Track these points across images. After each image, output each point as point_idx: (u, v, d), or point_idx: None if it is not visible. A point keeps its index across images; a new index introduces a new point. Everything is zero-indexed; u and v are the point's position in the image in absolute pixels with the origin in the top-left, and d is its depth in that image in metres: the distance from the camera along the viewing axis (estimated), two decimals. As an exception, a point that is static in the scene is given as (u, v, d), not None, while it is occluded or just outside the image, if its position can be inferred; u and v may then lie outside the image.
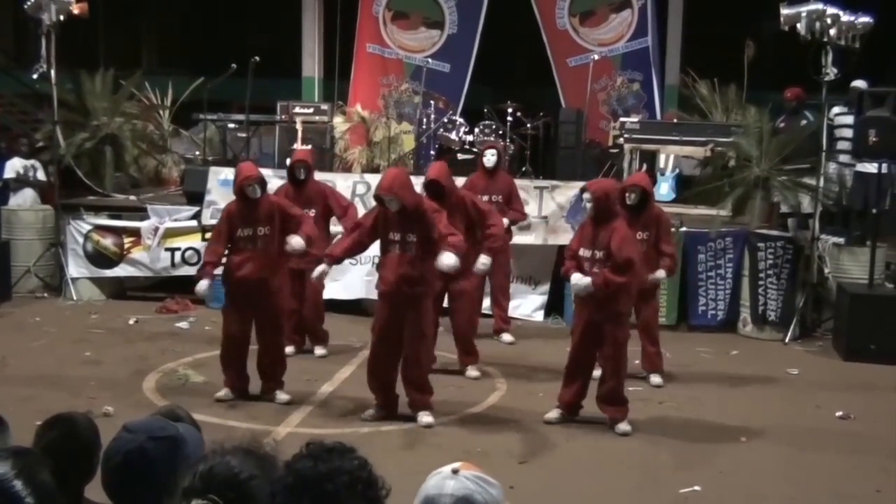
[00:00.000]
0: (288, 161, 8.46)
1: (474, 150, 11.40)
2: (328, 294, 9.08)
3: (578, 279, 6.14)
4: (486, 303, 8.90)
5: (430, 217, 6.13)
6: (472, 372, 7.59)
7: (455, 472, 2.05)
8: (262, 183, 6.69)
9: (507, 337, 8.76)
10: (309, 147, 10.78)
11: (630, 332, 6.46)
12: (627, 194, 7.05)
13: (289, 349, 7.78)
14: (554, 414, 6.47)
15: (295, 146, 11.63)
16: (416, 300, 6.25)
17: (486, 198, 8.46)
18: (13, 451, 1.98)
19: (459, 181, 8.93)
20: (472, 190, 8.46)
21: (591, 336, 6.30)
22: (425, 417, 6.37)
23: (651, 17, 13.33)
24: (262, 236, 6.62)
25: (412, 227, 6.16)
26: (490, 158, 8.63)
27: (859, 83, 9.71)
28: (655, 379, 7.44)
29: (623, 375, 6.37)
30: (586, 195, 6.22)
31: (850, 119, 9.76)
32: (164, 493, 2.29)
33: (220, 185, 9.87)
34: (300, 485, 1.88)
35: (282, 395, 6.81)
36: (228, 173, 9.60)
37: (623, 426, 6.30)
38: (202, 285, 6.68)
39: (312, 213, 7.71)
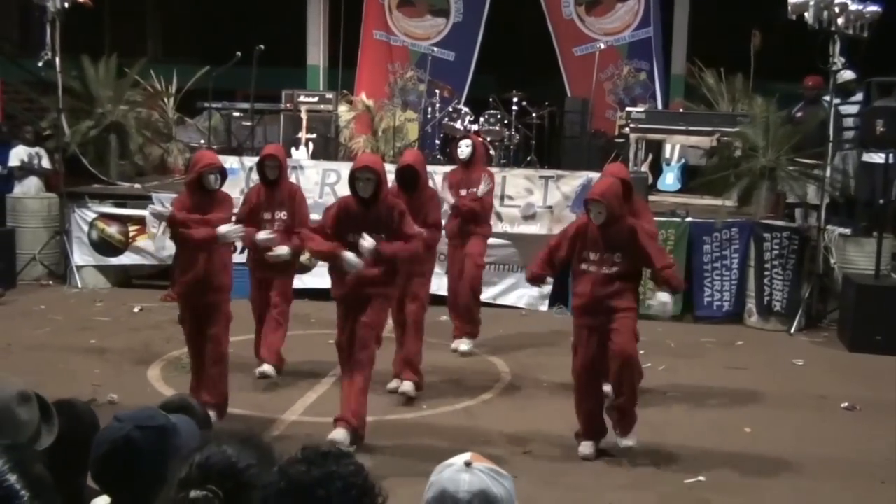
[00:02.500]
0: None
1: (479, 139, 11.35)
2: (326, 283, 9.06)
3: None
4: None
5: (400, 218, 5.59)
6: (406, 386, 6.73)
7: (468, 464, 2.03)
8: (224, 174, 6.10)
9: (462, 346, 7.97)
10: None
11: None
12: None
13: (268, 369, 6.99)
14: (586, 449, 5.77)
15: (300, 135, 11.63)
16: (370, 299, 5.64)
17: (463, 192, 7.98)
18: (4, 446, 1.97)
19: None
20: (451, 183, 8.05)
21: (591, 341, 5.69)
22: (339, 435, 5.54)
23: (654, 7, 13.28)
24: None
25: (378, 226, 5.56)
26: (464, 150, 8.01)
27: (848, 73, 9.65)
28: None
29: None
30: (597, 205, 5.51)
31: (849, 108, 9.73)
32: (152, 482, 2.28)
33: (224, 174, 9.84)
34: (292, 489, 1.84)
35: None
36: (233, 162, 9.61)
37: (626, 441, 5.75)
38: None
39: (284, 215, 6.96)
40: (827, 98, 9.48)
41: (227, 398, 6.10)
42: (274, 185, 7.05)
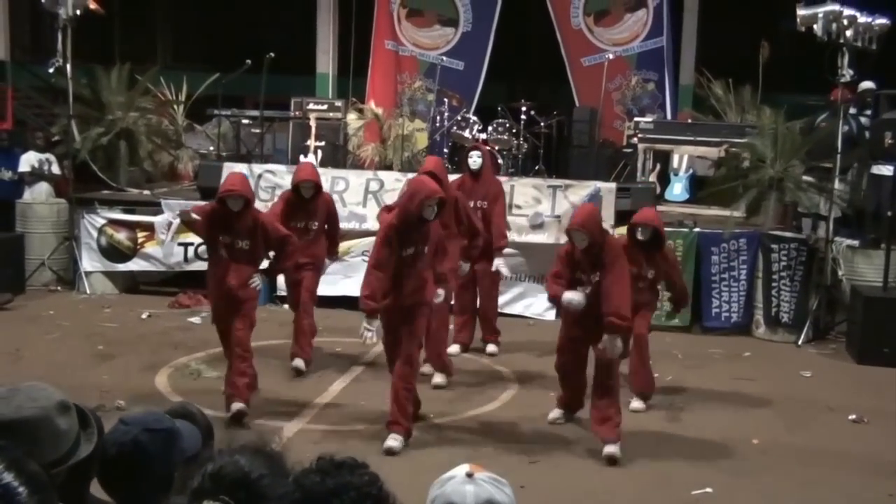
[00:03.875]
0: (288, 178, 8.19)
1: (487, 148, 11.37)
2: (343, 291, 9.10)
3: (572, 296, 5.86)
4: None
5: (438, 236, 6.04)
6: (437, 379, 7.19)
7: (470, 475, 2.03)
8: (244, 199, 6.28)
9: (491, 348, 8.30)
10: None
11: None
12: (640, 230, 6.63)
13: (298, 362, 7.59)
14: (556, 413, 6.48)
15: (308, 142, 11.66)
16: (418, 311, 6.00)
17: (470, 202, 7.95)
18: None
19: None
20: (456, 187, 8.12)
21: (576, 353, 6.20)
22: (393, 441, 5.87)
23: (666, 17, 13.29)
24: (240, 249, 6.34)
25: (424, 239, 5.93)
26: (475, 160, 8.08)
27: (869, 84, 9.64)
28: (636, 404, 6.81)
29: (617, 392, 6.06)
30: (579, 234, 5.81)
31: (863, 121, 9.71)
32: (159, 485, 2.29)
33: (233, 181, 9.87)
34: (307, 500, 1.85)
35: (236, 404, 6.28)
36: (242, 169, 9.62)
37: (610, 448, 5.86)
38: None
39: (316, 224, 7.49)
40: (852, 111, 9.50)
41: (247, 395, 6.39)
42: (310, 199, 7.49)
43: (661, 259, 6.76)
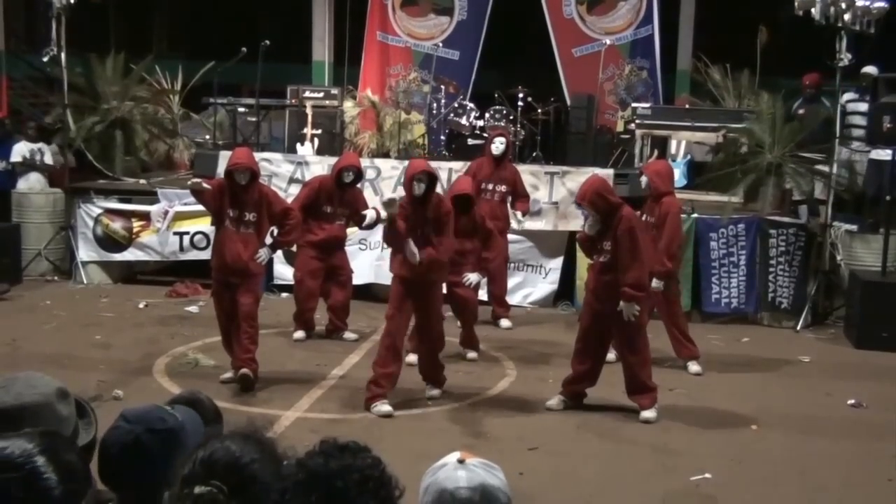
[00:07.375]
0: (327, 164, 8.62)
1: (485, 135, 11.32)
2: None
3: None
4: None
5: (446, 220, 6.33)
6: (471, 354, 7.63)
7: (461, 461, 2.04)
8: (251, 172, 6.62)
9: (505, 322, 8.71)
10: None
11: (647, 319, 6.45)
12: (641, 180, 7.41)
13: (299, 334, 7.98)
14: (555, 401, 6.48)
15: (305, 130, 11.61)
16: (435, 284, 6.44)
17: (490, 186, 8.44)
18: (40, 431, 1.96)
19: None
20: (477, 176, 8.40)
21: (597, 325, 6.32)
22: (434, 391, 6.63)
23: (657, 4, 13.19)
24: (247, 221, 6.64)
25: (426, 224, 6.24)
26: (499, 146, 8.54)
27: (871, 69, 9.62)
28: (693, 367, 7.44)
29: (642, 363, 6.32)
30: (584, 205, 6.14)
31: (862, 106, 9.68)
32: (159, 482, 2.26)
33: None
34: (310, 481, 1.86)
35: (244, 369, 6.63)
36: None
37: (645, 413, 6.27)
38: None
39: (346, 212, 7.87)
40: (850, 96, 9.48)
41: (254, 367, 6.67)
42: (346, 186, 7.83)
43: (660, 208, 7.17)
